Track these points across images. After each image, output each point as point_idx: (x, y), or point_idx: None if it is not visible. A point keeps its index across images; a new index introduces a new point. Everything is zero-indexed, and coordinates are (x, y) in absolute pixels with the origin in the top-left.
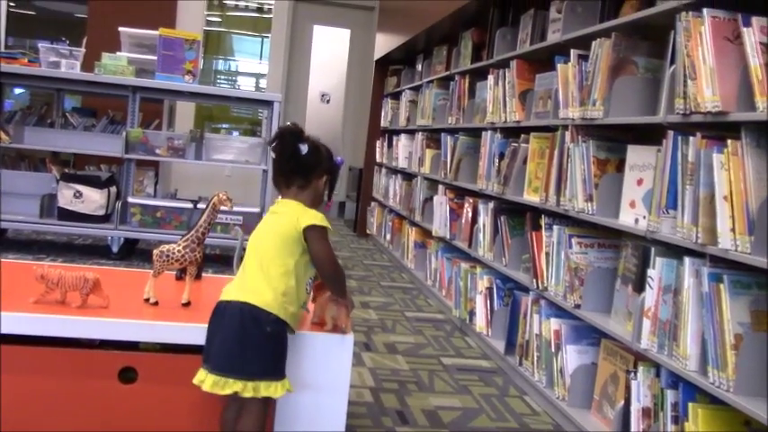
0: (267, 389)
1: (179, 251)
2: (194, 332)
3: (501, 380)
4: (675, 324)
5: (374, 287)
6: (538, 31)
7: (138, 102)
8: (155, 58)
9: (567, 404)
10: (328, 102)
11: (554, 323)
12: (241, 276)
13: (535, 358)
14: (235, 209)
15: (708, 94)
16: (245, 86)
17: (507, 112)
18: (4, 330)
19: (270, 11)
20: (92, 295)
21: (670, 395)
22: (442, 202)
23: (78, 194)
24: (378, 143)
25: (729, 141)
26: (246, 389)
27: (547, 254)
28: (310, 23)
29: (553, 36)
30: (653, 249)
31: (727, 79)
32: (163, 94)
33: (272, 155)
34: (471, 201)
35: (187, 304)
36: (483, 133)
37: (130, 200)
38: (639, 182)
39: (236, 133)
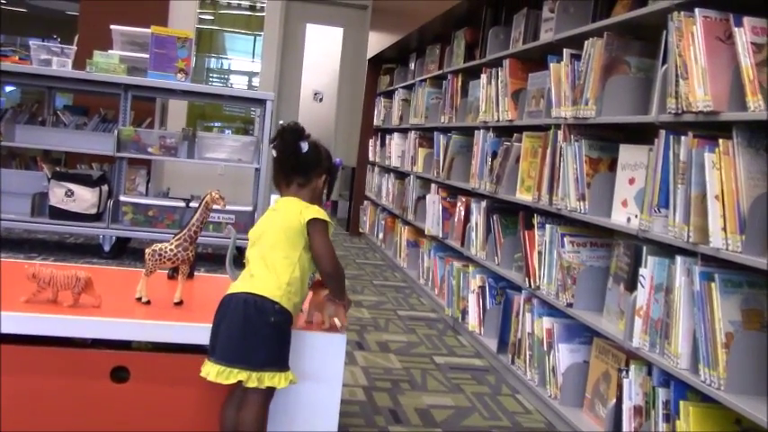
0: (271, 379)
1: (171, 250)
2: (187, 331)
3: (493, 378)
4: (667, 323)
5: (367, 286)
6: (530, 31)
7: (130, 100)
8: (147, 56)
9: (560, 402)
10: (321, 100)
11: (546, 322)
12: (246, 271)
13: (527, 357)
14: (227, 207)
15: (699, 93)
16: (238, 85)
17: (500, 112)
18: None
19: (262, 9)
20: (84, 294)
21: (661, 393)
22: (434, 201)
23: (70, 193)
24: (370, 142)
25: (721, 141)
26: (251, 379)
27: (539, 253)
28: (303, 22)
29: (546, 35)
30: (645, 248)
31: (719, 79)
32: (155, 93)
33: (273, 153)
34: (464, 200)
35: (179, 303)
36: (476, 132)
37: (122, 198)
38: (631, 181)
39: (228, 132)
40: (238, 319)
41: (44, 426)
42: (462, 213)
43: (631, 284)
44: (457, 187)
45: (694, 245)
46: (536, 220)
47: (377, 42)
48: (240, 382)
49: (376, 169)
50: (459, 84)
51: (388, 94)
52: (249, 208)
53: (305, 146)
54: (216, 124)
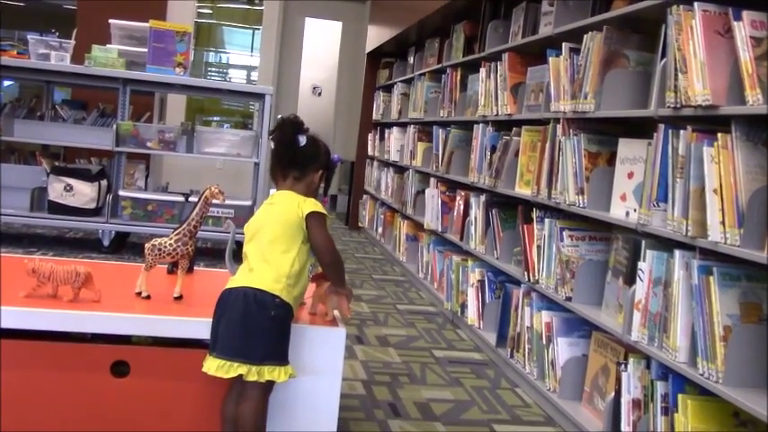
0: (271, 373)
1: (171, 245)
2: (187, 326)
3: (492, 372)
4: (665, 316)
5: (366, 280)
6: (530, 25)
7: (129, 94)
8: (145, 50)
9: (558, 396)
10: (320, 94)
11: (545, 316)
12: (245, 266)
13: (526, 350)
14: (227, 202)
15: (698, 87)
16: (237, 79)
17: (499, 106)
18: None
19: (261, 3)
20: (83, 289)
21: (660, 387)
22: (433, 195)
23: (69, 188)
24: (369, 136)
25: (720, 135)
26: (251, 372)
27: (538, 247)
28: (302, 16)
29: (545, 29)
30: (643, 242)
31: (718, 73)
32: (153, 87)
33: (272, 144)
34: (463, 194)
35: (179, 298)
36: (475, 126)
37: (121, 193)
38: (630, 175)
39: (227, 126)
40: (238, 313)
41: (45, 420)
42: (461, 207)
43: (630, 278)
44: (456, 181)
45: (693, 239)
46: (535, 214)
47: (376, 36)
48: (240, 375)
49: (375, 163)
50: (459, 78)
51: (387, 88)
52: (248, 202)
53: (303, 139)
54: (215, 118)
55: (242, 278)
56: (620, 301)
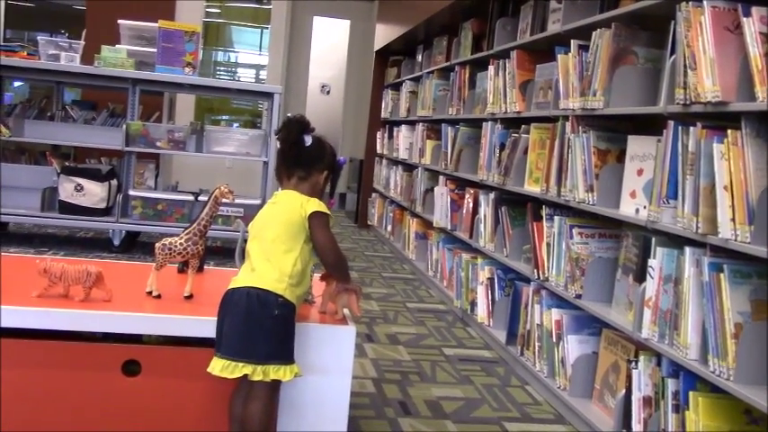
0: (276, 372)
1: (181, 244)
2: (197, 325)
3: (502, 370)
4: (676, 313)
5: (376, 278)
6: (538, 22)
7: (138, 94)
8: (154, 50)
9: (569, 394)
10: (329, 93)
11: (555, 313)
12: (247, 265)
13: (536, 348)
14: (236, 201)
15: (708, 84)
16: (245, 78)
17: (508, 103)
18: (9, 324)
19: (269, 2)
20: (95, 289)
21: (671, 384)
22: (442, 193)
23: (79, 188)
24: (378, 134)
25: (729, 131)
26: (256, 372)
27: (548, 244)
28: (310, 15)
29: (553, 26)
30: (653, 239)
31: (727, 69)
32: (163, 87)
33: (278, 143)
34: (472, 191)
35: (189, 297)
36: (483, 124)
37: (131, 193)
38: (640, 172)
39: (236, 125)
40: (241, 313)
41: (56, 419)
42: (470, 205)
43: (640, 275)
44: (465, 179)
45: (703, 236)
46: (544, 211)
47: (384, 34)
48: (247, 375)
49: (384, 161)
50: (467, 75)
51: (396, 87)
52: (258, 201)
53: (308, 139)
54: (224, 118)
55: (244, 278)
56: (630, 299)
